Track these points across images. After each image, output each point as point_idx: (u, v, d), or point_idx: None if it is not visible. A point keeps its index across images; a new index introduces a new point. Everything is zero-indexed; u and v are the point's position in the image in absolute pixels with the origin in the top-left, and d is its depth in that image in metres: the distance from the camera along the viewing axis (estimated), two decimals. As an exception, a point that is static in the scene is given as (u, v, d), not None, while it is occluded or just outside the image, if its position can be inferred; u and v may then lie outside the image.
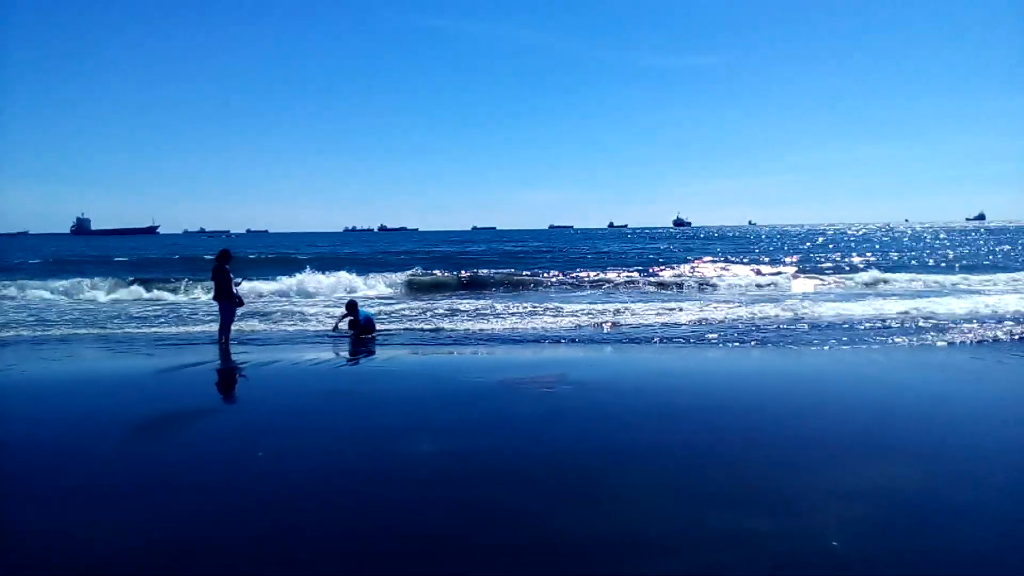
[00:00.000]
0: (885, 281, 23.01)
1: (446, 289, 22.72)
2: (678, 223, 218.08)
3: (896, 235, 73.36)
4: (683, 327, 12.96)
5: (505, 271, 27.78)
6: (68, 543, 4.21)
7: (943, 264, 31.76)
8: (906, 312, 14.31)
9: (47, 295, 20.03)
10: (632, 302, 18.18)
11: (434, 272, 26.84)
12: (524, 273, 26.83)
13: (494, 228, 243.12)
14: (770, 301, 17.48)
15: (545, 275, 25.88)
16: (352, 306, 12.60)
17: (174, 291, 20.75)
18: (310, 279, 21.41)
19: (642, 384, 8.59)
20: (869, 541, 4.07)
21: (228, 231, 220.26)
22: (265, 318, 14.99)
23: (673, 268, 30.28)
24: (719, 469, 5.30)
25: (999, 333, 11.55)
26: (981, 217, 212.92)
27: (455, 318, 14.69)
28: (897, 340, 11.08)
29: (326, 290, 20.76)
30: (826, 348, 10.60)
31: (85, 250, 58.63)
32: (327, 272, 22.50)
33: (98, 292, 20.32)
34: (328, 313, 15.41)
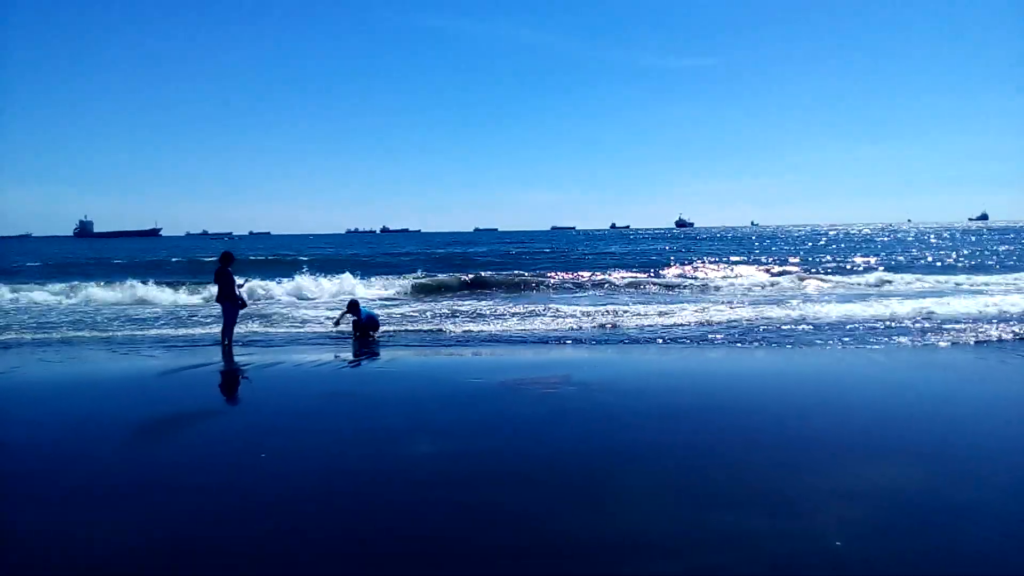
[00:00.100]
0: (890, 281, 22.96)
1: (448, 291, 22.74)
2: (680, 224, 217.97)
3: (899, 235, 73.22)
4: (686, 328, 12.94)
5: (507, 272, 27.77)
6: (69, 543, 4.22)
7: (948, 264, 31.71)
8: (911, 312, 14.28)
9: (47, 298, 20.02)
10: (635, 303, 18.17)
11: (436, 274, 26.85)
12: (526, 274, 26.83)
13: (496, 229, 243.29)
14: (774, 302, 17.46)
15: (547, 276, 25.88)
16: (354, 305, 12.63)
17: (176, 293, 20.75)
18: (312, 283, 21.44)
19: (644, 385, 8.59)
20: (871, 541, 4.06)
21: (230, 233, 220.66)
22: (267, 320, 15.01)
23: (676, 269, 30.29)
24: (720, 470, 5.30)
25: (1002, 333, 11.52)
26: (984, 217, 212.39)
27: (457, 319, 14.69)
28: (901, 340, 11.05)
29: (328, 294, 20.76)
30: (829, 349, 10.58)
31: (87, 252, 58.82)
32: (329, 275, 22.54)
33: (99, 294, 20.30)
34: (330, 316, 15.42)
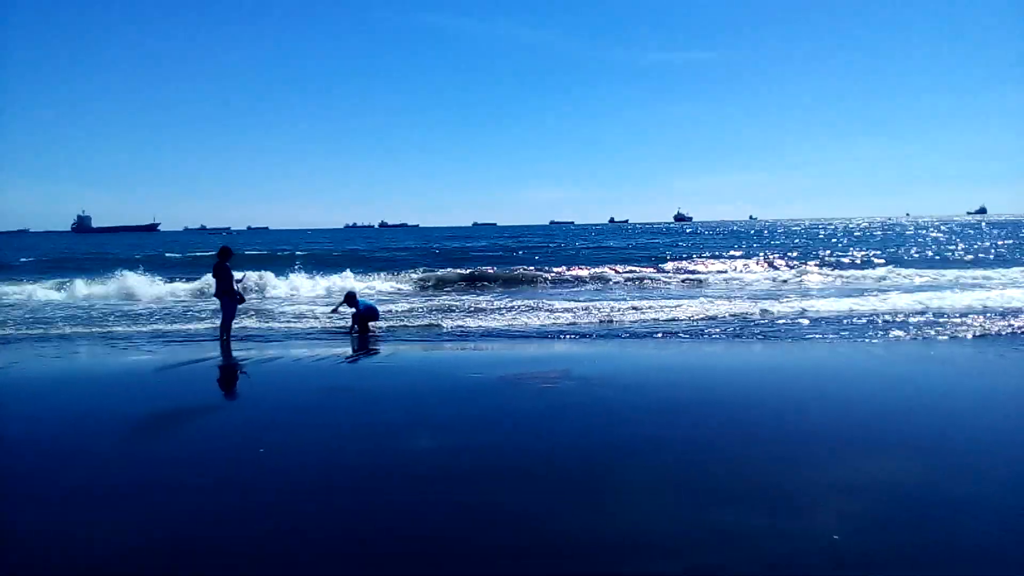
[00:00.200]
0: (886, 276, 22.95)
1: (447, 286, 22.70)
2: (679, 218, 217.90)
3: (899, 229, 73.23)
4: (685, 323, 12.95)
5: (506, 267, 27.76)
6: (68, 542, 4.21)
7: (948, 258, 31.70)
8: (910, 306, 14.29)
9: (42, 293, 19.93)
10: (633, 298, 18.18)
11: (435, 269, 26.81)
12: (525, 269, 26.81)
13: (494, 224, 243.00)
14: (773, 296, 17.47)
15: (546, 271, 25.84)
16: (351, 297, 12.60)
17: (172, 288, 20.69)
18: (308, 283, 21.40)
19: (644, 379, 8.59)
20: (870, 536, 4.06)
21: (229, 228, 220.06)
22: (265, 316, 14.99)
23: (675, 263, 30.24)
24: (720, 465, 5.30)
25: (1002, 327, 11.52)
26: (982, 211, 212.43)
27: (456, 314, 14.68)
28: (900, 334, 11.06)
29: (325, 290, 20.71)
30: (828, 343, 10.58)
31: (84, 247, 58.67)
32: (326, 272, 22.50)
33: (94, 289, 20.23)
34: (326, 312, 15.42)
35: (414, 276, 23.79)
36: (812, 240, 53.02)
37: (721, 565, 3.80)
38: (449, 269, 26.17)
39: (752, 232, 77.00)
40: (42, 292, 19.99)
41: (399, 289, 21.75)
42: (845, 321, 12.61)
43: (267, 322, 13.94)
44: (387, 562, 3.88)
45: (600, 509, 4.53)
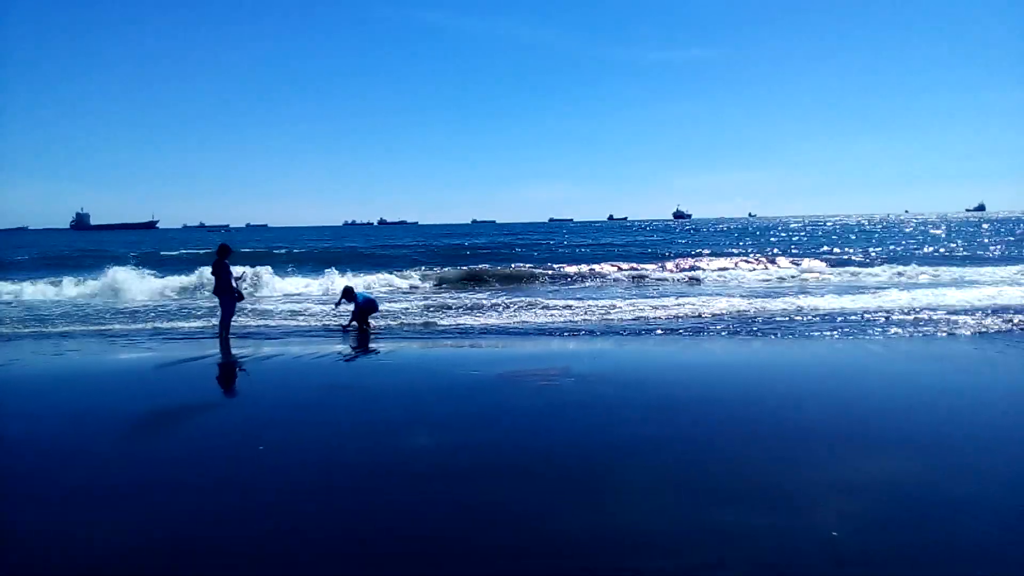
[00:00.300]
0: (889, 273, 22.99)
1: (446, 283, 22.68)
2: (678, 215, 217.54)
3: (898, 226, 73.24)
4: (685, 320, 12.95)
5: (505, 264, 27.76)
6: (67, 541, 4.21)
7: (948, 255, 31.71)
8: (911, 303, 14.29)
9: (40, 290, 19.89)
10: (632, 295, 18.19)
11: (434, 267, 26.80)
12: (524, 266, 26.83)
13: (493, 221, 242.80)
14: (773, 294, 17.47)
15: (545, 268, 25.86)
16: (349, 292, 12.59)
17: (172, 286, 20.66)
18: (309, 277, 21.41)
19: (643, 377, 8.58)
20: (869, 535, 4.06)
21: (227, 225, 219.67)
22: (265, 313, 14.98)
23: (674, 260, 30.24)
24: (719, 463, 5.29)
25: (1001, 324, 11.53)
26: (981, 208, 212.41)
27: (455, 312, 14.67)
28: (900, 331, 11.06)
29: (320, 287, 20.67)
30: (828, 340, 10.58)
31: (82, 245, 58.56)
32: (327, 268, 22.46)
33: (91, 286, 20.18)
34: (330, 311, 15.43)
35: (413, 274, 23.76)
36: (811, 237, 53.03)
37: (721, 563, 3.79)
38: (448, 267, 26.16)
39: (751, 229, 76.97)
40: (37, 289, 19.93)
41: (398, 287, 21.72)
42: (844, 319, 12.61)
43: (266, 320, 13.93)
44: (386, 561, 3.88)
45: (600, 507, 4.53)
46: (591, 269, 25.48)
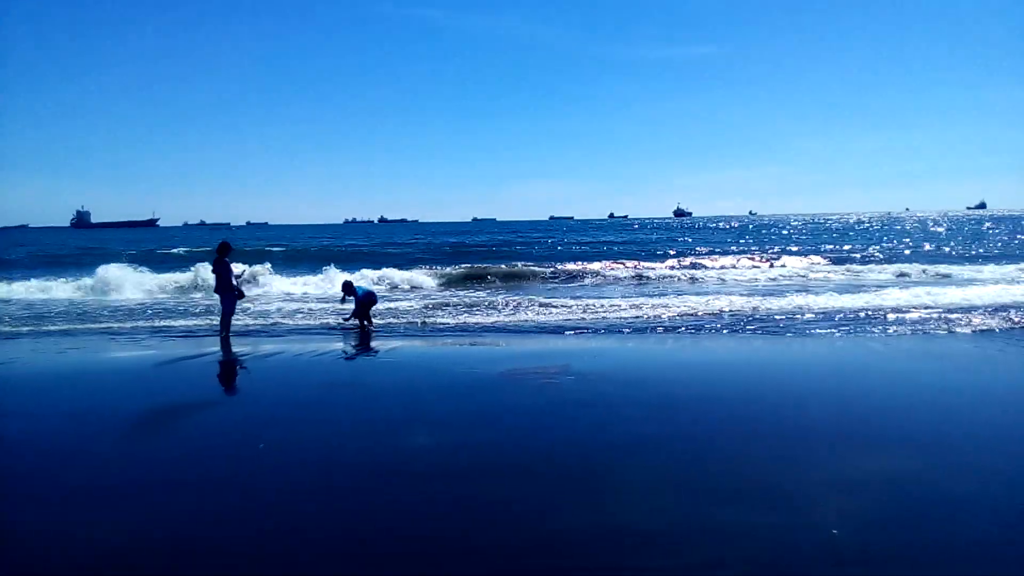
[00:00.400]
0: (889, 271, 22.97)
1: (446, 281, 22.65)
2: (679, 213, 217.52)
3: (899, 225, 73.17)
4: (685, 318, 12.94)
5: (505, 263, 27.73)
6: (65, 540, 4.20)
7: (949, 254, 31.67)
8: (911, 302, 14.28)
9: (38, 288, 19.82)
10: (633, 294, 18.19)
11: (434, 265, 26.79)
12: (524, 264, 26.80)
13: (494, 219, 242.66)
14: (774, 293, 17.45)
15: (545, 266, 25.84)
16: (348, 286, 12.58)
17: (170, 283, 20.64)
18: (309, 275, 21.40)
19: (644, 375, 8.59)
20: (869, 534, 4.06)
21: (228, 223, 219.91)
22: (265, 312, 14.98)
23: (674, 259, 30.23)
24: (720, 462, 5.29)
25: (1002, 322, 11.52)
26: (982, 206, 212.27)
27: (455, 309, 14.66)
28: (901, 330, 11.05)
29: (318, 285, 20.65)
30: (829, 339, 10.57)
31: (83, 243, 58.54)
32: (327, 266, 22.44)
33: (91, 285, 20.12)
34: (326, 309, 15.43)
35: (413, 272, 23.74)
36: (812, 236, 53.01)
37: (721, 562, 3.79)
38: (449, 265, 26.16)
39: (751, 228, 76.93)
40: (33, 287, 19.86)
41: (397, 285, 21.70)
42: (844, 317, 12.60)
43: (266, 318, 13.92)
44: (386, 560, 3.88)
45: (600, 506, 4.53)
46: (591, 267, 25.47)
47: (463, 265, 25.73)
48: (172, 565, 3.88)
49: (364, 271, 21.88)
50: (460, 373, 8.75)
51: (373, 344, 10.95)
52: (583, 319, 13.04)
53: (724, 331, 11.46)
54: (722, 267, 26.12)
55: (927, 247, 35.96)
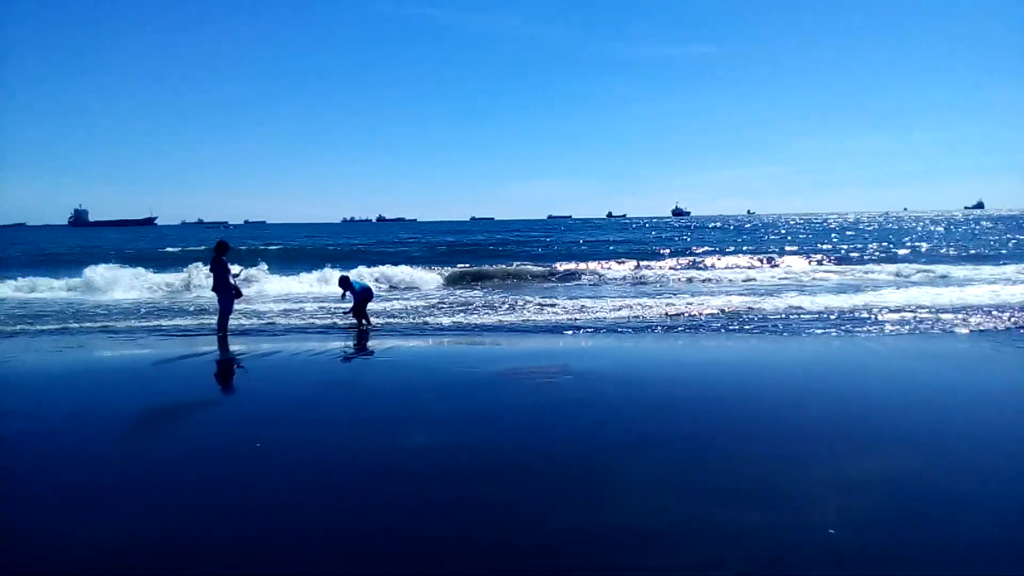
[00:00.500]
0: (887, 272, 22.99)
1: (444, 280, 22.61)
2: (677, 213, 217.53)
3: (896, 224, 73.29)
4: (683, 318, 12.94)
5: (504, 262, 27.72)
6: (64, 539, 4.19)
7: (947, 254, 31.70)
8: (912, 302, 14.29)
9: (36, 287, 19.77)
10: (632, 293, 18.20)
11: (432, 264, 26.76)
12: (522, 264, 26.78)
13: (492, 218, 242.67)
14: (771, 292, 17.46)
15: (544, 266, 25.84)
16: (345, 280, 12.57)
17: (171, 283, 20.60)
18: (307, 274, 21.36)
19: (642, 375, 8.57)
20: (869, 533, 4.05)
21: (226, 222, 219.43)
22: (263, 311, 14.95)
23: (673, 259, 30.25)
24: (719, 462, 5.29)
25: (1000, 322, 11.53)
26: (980, 206, 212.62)
27: (453, 309, 14.65)
28: (901, 330, 11.05)
29: (316, 283, 20.62)
30: (826, 338, 10.57)
31: (80, 241, 58.43)
32: (324, 265, 22.43)
33: (95, 285, 20.06)
34: (325, 309, 15.41)
35: (410, 271, 23.69)
36: (809, 235, 53.06)
37: (721, 561, 3.79)
38: (447, 265, 26.13)
39: (749, 227, 77.01)
40: (28, 286, 19.78)
41: (395, 284, 21.68)
42: (842, 317, 12.60)
43: (264, 317, 13.89)
44: (386, 560, 3.86)
45: (599, 505, 4.52)
46: (589, 267, 25.47)
47: (461, 264, 25.72)
48: (172, 565, 3.86)
49: (361, 269, 21.86)
50: (458, 372, 8.73)
51: (371, 343, 10.93)
52: (581, 319, 13.03)
53: (721, 331, 11.45)
54: (719, 267, 26.14)
55: (924, 247, 35.99)
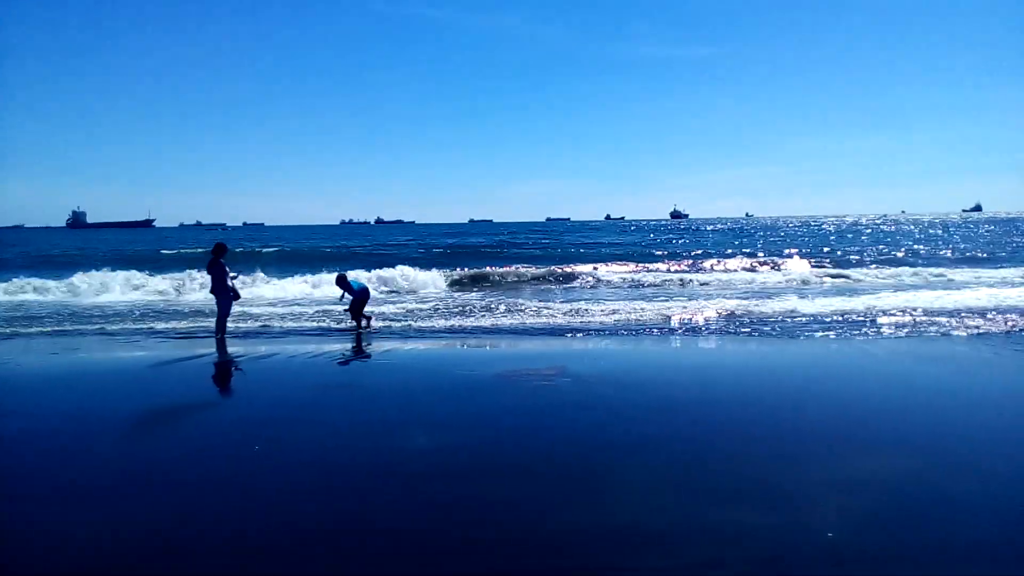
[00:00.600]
0: (884, 275, 23.01)
1: (443, 283, 22.58)
2: (675, 215, 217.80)
3: (894, 227, 73.43)
4: (681, 320, 12.94)
5: (502, 264, 27.72)
6: (64, 541, 4.18)
7: (944, 257, 31.75)
8: (910, 305, 14.31)
9: (33, 289, 19.70)
10: (630, 296, 18.21)
11: (430, 267, 26.72)
12: (521, 266, 26.78)
13: (491, 220, 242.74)
14: (769, 295, 17.48)
15: (542, 268, 25.82)
16: (342, 279, 12.55)
17: (169, 285, 20.54)
18: (305, 277, 21.33)
19: (640, 377, 8.58)
20: (868, 534, 4.05)
21: (224, 224, 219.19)
22: (261, 313, 14.93)
23: (670, 262, 30.26)
24: (719, 462, 5.29)
25: (998, 325, 11.55)
26: (978, 208, 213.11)
27: (452, 311, 14.65)
28: (898, 332, 11.07)
29: (314, 286, 20.56)
30: (824, 341, 10.59)
31: (78, 243, 58.35)
32: (322, 268, 22.38)
33: (91, 287, 20.02)
34: (323, 311, 15.40)
35: (408, 273, 23.66)
36: (807, 238, 53.14)
37: (721, 561, 3.79)
38: (445, 267, 26.09)
39: (747, 230, 77.10)
40: (24, 287, 19.70)
41: (393, 286, 21.65)
42: (840, 320, 12.62)
43: (262, 320, 13.87)
44: (385, 560, 3.86)
45: (599, 505, 4.52)
46: (587, 269, 25.47)
47: (459, 266, 25.70)
48: (172, 565, 3.86)
49: (359, 272, 21.82)
50: (457, 375, 8.73)
51: (369, 346, 10.92)
52: (579, 321, 13.03)
53: (719, 333, 11.46)
54: (717, 269, 26.16)
55: (922, 250, 36.06)
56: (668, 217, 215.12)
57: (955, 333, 10.94)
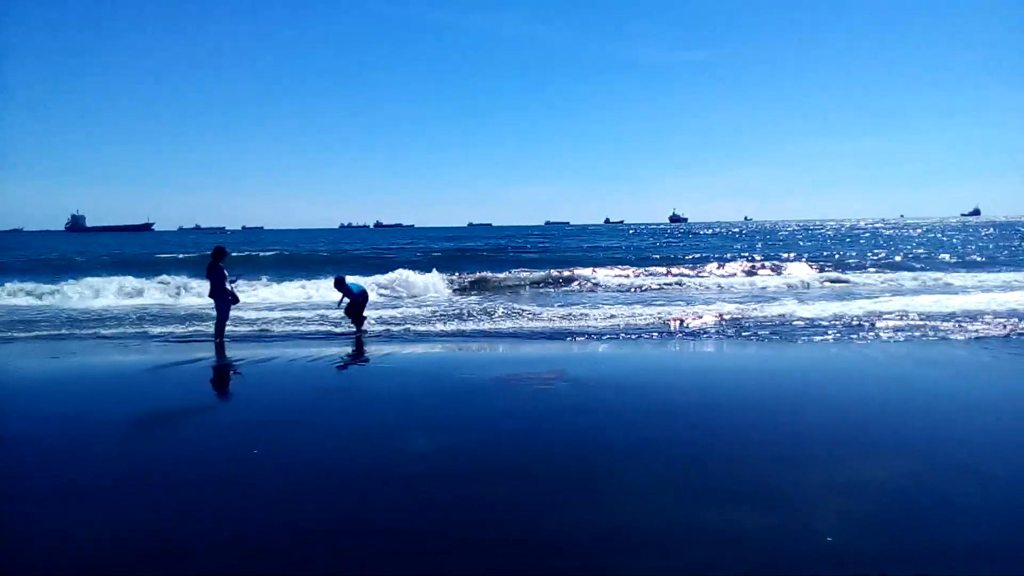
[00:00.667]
0: (883, 279, 23.04)
1: (442, 287, 22.58)
2: (674, 219, 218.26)
3: (893, 231, 73.53)
4: (680, 324, 12.96)
5: (501, 269, 27.70)
6: (63, 542, 4.18)
7: (942, 261, 31.78)
8: (909, 309, 14.33)
9: (30, 292, 19.68)
10: (628, 300, 18.22)
11: (430, 271, 26.72)
12: (520, 270, 26.78)
13: (490, 224, 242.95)
14: (768, 299, 17.49)
15: (541, 272, 25.82)
16: (340, 282, 12.55)
17: (167, 289, 20.54)
18: (303, 281, 21.35)
19: (640, 381, 8.58)
20: (867, 536, 4.06)
21: (223, 227, 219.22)
22: (260, 318, 14.93)
23: (669, 266, 30.27)
24: (718, 465, 5.30)
25: (997, 329, 11.57)
26: (976, 212, 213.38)
27: (451, 316, 14.66)
28: (896, 337, 11.09)
29: (314, 291, 20.58)
30: (823, 345, 10.60)
31: (77, 247, 58.31)
32: (321, 272, 22.39)
33: (88, 292, 19.99)
34: (321, 315, 15.41)
35: (408, 277, 23.64)
36: (806, 242, 53.20)
37: (719, 562, 3.80)
38: (444, 271, 26.07)
39: (746, 234, 77.20)
40: (34, 292, 19.74)
41: (392, 290, 21.64)
42: (839, 324, 12.63)
43: (261, 324, 13.87)
44: (385, 560, 3.87)
45: (598, 507, 4.53)
46: (586, 273, 25.48)
47: (458, 270, 25.68)
48: (172, 565, 3.87)
49: (358, 277, 21.81)
50: (456, 378, 8.73)
51: (367, 349, 10.92)
52: (578, 325, 13.04)
53: (717, 337, 11.47)
54: (716, 273, 26.18)
55: (922, 253, 36.10)
56: (667, 221, 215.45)
57: (954, 337, 10.96)
